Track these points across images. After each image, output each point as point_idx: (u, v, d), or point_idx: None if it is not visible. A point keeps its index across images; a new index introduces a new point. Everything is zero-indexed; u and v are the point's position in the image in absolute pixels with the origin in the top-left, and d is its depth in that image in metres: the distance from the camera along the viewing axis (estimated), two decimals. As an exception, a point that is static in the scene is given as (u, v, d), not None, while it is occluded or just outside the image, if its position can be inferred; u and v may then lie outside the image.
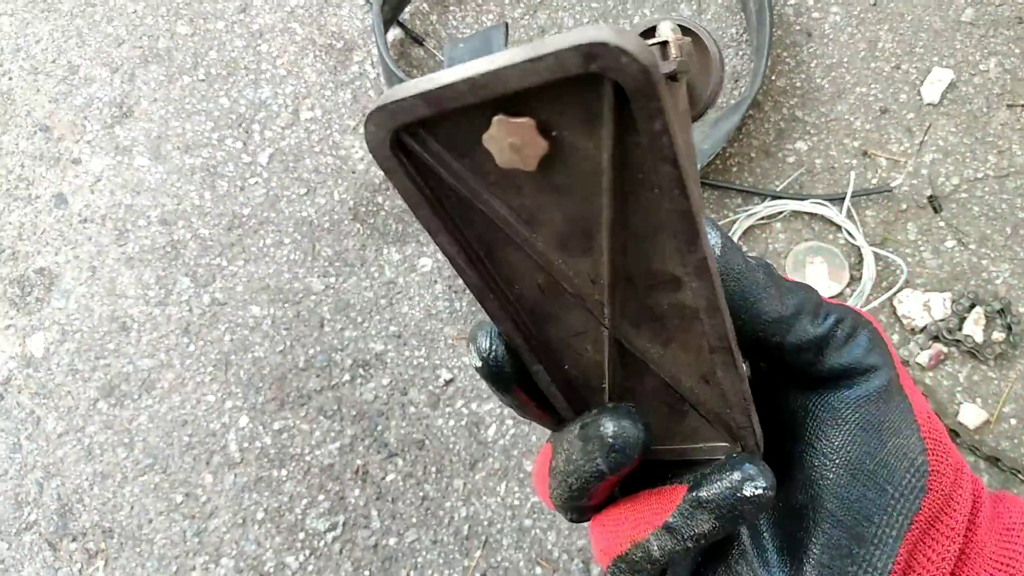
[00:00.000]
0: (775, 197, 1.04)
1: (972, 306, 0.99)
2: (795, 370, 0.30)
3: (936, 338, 0.98)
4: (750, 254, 0.29)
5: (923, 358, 0.97)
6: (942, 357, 0.97)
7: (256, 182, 1.11)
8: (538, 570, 0.93)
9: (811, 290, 0.30)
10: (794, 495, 0.30)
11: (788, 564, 0.29)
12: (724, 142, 1.01)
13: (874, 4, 1.17)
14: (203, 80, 1.17)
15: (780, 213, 1.04)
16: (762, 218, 1.04)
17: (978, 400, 0.95)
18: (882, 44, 1.15)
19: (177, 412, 1.01)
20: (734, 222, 1.04)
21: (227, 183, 1.11)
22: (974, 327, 0.97)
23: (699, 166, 0.99)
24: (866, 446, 0.28)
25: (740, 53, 1.16)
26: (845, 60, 1.15)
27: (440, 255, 1.07)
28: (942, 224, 1.05)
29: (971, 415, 0.94)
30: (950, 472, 0.28)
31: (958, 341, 0.97)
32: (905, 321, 0.99)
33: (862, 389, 0.29)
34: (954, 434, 0.93)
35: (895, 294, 1.00)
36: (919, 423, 0.28)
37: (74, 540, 0.97)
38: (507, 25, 1.07)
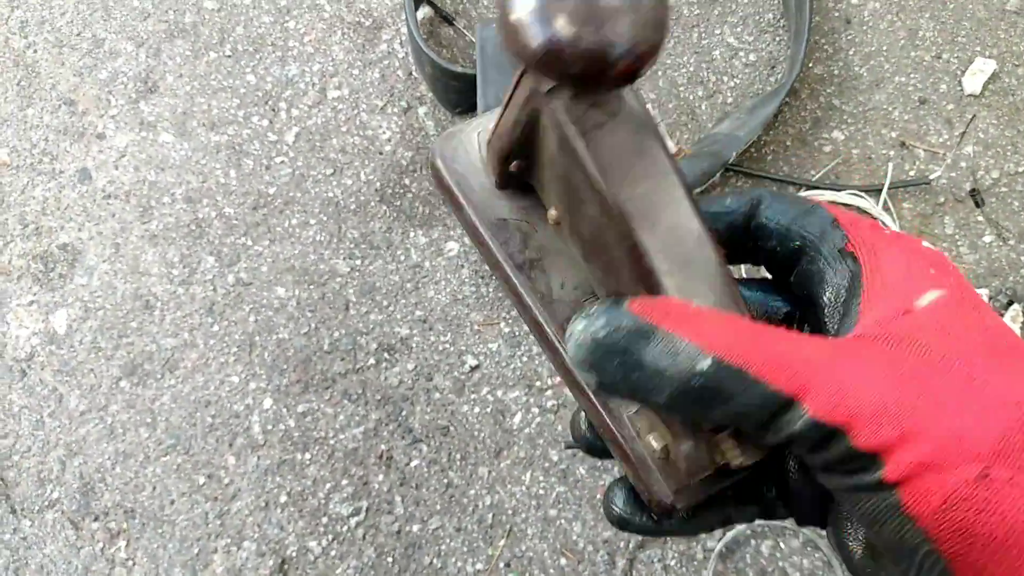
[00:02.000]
0: (810, 187, 1.02)
1: (1010, 303, 0.97)
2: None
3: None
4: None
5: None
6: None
7: (282, 161, 1.10)
8: (563, 561, 0.92)
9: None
10: None
11: None
12: (760, 130, 0.99)
13: (915, -9, 1.14)
14: (229, 56, 1.16)
15: (815, 204, 1.02)
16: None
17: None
18: (923, 33, 1.13)
19: (200, 392, 1.00)
20: (768, 212, 1.02)
21: (253, 161, 1.10)
22: (1012, 324, 0.95)
23: (734, 154, 0.97)
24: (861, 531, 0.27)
25: (777, 39, 1.13)
26: (884, 48, 1.12)
27: (467, 239, 1.05)
28: (980, 218, 1.03)
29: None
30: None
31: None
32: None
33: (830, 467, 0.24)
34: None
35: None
36: (917, 515, 0.23)
37: (96, 519, 0.96)
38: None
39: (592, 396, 0.31)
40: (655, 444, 0.29)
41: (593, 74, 0.23)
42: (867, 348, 0.24)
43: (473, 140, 0.33)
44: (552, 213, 0.32)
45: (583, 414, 0.31)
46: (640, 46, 0.22)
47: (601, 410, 0.31)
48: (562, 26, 0.22)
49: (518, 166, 0.31)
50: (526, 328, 1.00)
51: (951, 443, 0.22)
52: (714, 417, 0.24)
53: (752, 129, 0.98)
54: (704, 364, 0.23)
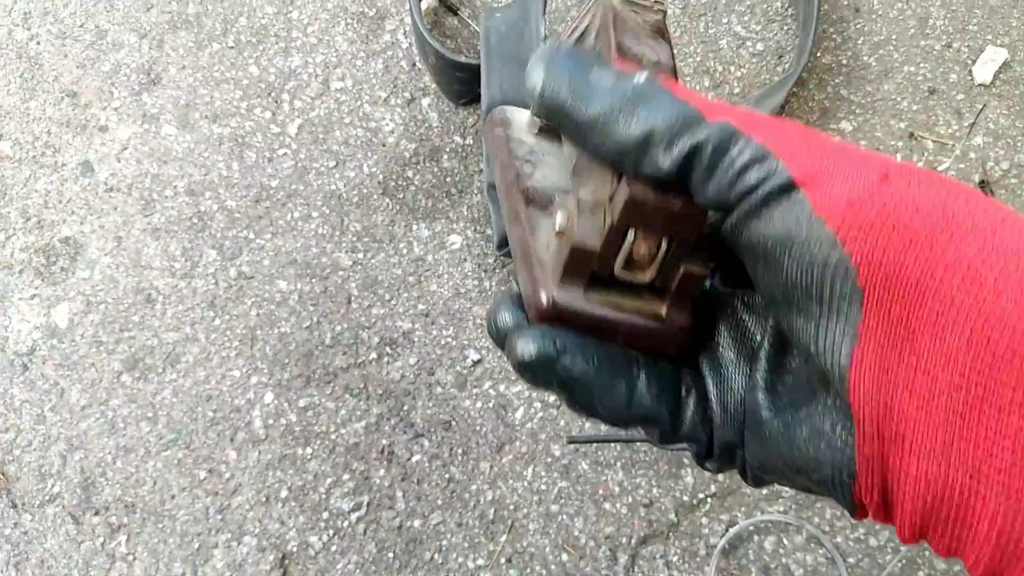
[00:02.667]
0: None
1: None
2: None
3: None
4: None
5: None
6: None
7: (285, 153, 1.09)
8: (564, 556, 0.91)
9: (681, 107, 0.25)
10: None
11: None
12: (767, 121, 0.98)
13: (926, -21, 1.12)
14: (232, 47, 1.15)
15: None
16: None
17: None
18: (933, 21, 1.11)
19: (202, 387, 1.00)
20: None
21: (255, 154, 1.09)
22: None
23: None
24: (774, 274, 0.25)
25: (785, 28, 1.11)
26: (894, 37, 1.11)
27: (470, 232, 1.04)
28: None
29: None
30: (892, 252, 0.23)
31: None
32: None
33: (743, 206, 0.25)
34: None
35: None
36: (823, 216, 0.23)
37: (97, 514, 0.96)
38: (544, -5, 1.04)
39: (509, 192, 0.32)
40: (560, 218, 0.28)
41: None
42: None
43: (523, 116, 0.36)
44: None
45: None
46: None
47: (519, 206, 0.31)
48: None
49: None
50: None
51: (853, 163, 0.24)
52: (631, 130, 0.25)
53: None
54: (640, 78, 0.26)
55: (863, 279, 0.22)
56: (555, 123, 0.28)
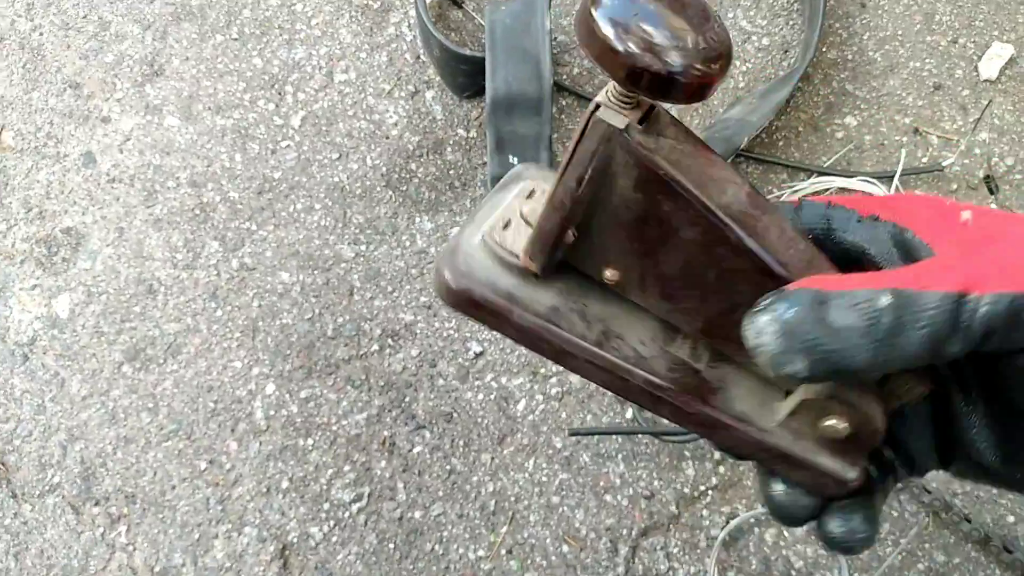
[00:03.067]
0: (822, 173, 1.00)
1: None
2: None
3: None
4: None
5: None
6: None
7: (288, 145, 1.09)
8: (565, 547, 0.91)
9: (943, 301, 0.26)
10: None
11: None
12: (772, 115, 0.97)
13: (931, -26, 1.12)
14: (236, 39, 1.15)
15: (827, 190, 1.00)
16: (807, 195, 1.00)
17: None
18: (939, 17, 1.11)
19: (203, 378, 0.99)
20: (779, 198, 1.00)
21: (258, 146, 1.09)
22: None
23: (746, 139, 0.95)
24: None
25: (791, 23, 1.11)
26: (899, 33, 1.10)
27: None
28: (994, 205, 1.01)
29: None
30: None
31: None
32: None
33: None
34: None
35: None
36: None
37: (97, 504, 0.96)
38: (549, -12, 1.04)
39: (732, 424, 0.32)
40: (839, 425, 0.30)
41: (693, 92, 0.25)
42: (974, 243, 0.27)
43: (476, 246, 0.32)
44: (608, 274, 0.32)
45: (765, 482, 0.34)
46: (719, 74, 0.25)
47: (756, 433, 0.32)
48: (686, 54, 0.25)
49: (573, 234, 0.31)
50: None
51: None
52: (907, 346, 0.25)
53: (764, 114, 0.96)
54: (884, 299, 0.25)
55: None
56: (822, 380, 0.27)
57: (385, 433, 0.96)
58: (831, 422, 0.30)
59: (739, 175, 0.30)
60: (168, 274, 1.04)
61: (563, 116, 1.08)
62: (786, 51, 1.09)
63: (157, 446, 0.97)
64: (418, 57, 1.12)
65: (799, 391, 0.30)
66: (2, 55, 1.16)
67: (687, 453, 0.92)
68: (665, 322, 0.33)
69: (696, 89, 0.25)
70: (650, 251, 0.31)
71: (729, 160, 0.98)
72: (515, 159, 1.03)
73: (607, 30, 0.24)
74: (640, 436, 0.92)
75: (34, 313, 1.04)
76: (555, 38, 1.10)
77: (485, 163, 1.06)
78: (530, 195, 0.34)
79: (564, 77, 1.10)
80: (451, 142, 1.08)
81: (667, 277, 0.31)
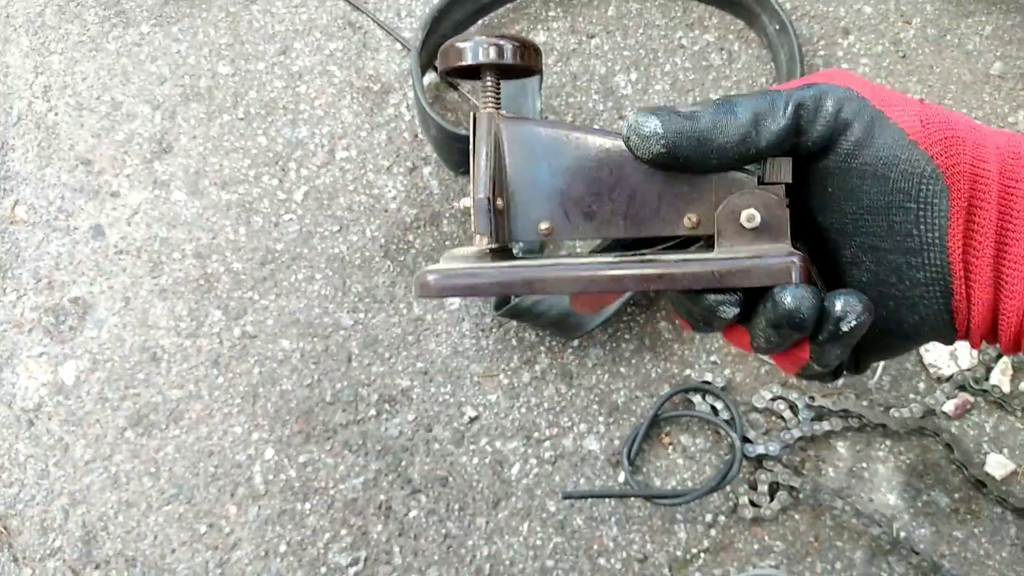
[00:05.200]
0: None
1: (999, 356, 0.99)
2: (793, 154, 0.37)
3: (962, 387, 0.98)
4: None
5: (949, 407, 0.97)
6: (968, 407, 0.97)
7: (290, 218, 1.13)
8: (560, 612, 0.92)
9: (765, 93, 0.36)
10: (834, 255, 0.39)
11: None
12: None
13: (903, 57, 1.19)
14: (242, 119, 1.20)
15: (807, 260, 1.05)
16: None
17: (1005, 451, 0.95)
18: (911, 95, 1.17)
19: (204, 443, 1.02)
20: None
21: (262, 219, 1.14)
22: (1001, 377, 0.97)
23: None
24: (874, 187, 0.35)
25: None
26: (871, 113, 1.16)
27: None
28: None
29: (998, 466, 0.93)
30: (965, 157, 0.34)
31: (985, 391, 0.97)
32: (932, 370, 0.99)
33: (847, 144, 0.35)
34: (980, 485, 0.92)
35: (922, 343, 1.00)
36: (915, 138, 0.34)
37: (97, 568, 0.97)
38: (541, 72, 1.10)
39: (681, 269, 0.38)
40: (753, 213, 0.38)
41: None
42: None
43: (442, 264, 0.42)
44: (543, 227, 0.42)
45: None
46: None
47: (702, 265, 0.38)
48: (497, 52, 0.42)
49: (502, 204, 0.41)
50: (525, 379, 1.02)
51: (898, 97, 0.36)
52: (741, 119, 0.36)
53: None
54: (716, 98, 0.39)
55: (948, 179, 0.34)
56: (672, 165, 0.37)
57: (381, 497, 0.98)
58: (744, 213, 0.38)
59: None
60: (172, 342, 1.07)
61: (554, 191, 1.14)
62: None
63: (158, 510, 0.99)
64: (416, 136, 1.18)
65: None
66: (19, 134, 1.21)
67: (679, 516, 0.94)
68: (605, 247, 0.46)
69: (520, 61, 0.42)
70: (558, 187, 0.42)
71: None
72: None
73: (467, 55, 0.42)
74: (632, 499, 0.94)
75: (40, 380, 1.07)
76: (546, 118, 1.16)
77: (480, 235, 1.11)
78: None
79: (555, 154, 1.15)
80: (447, 215, 1.13)
81: (579, 198, 0.42)
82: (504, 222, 0.41)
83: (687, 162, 0.37)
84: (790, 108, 0.35)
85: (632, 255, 0.40)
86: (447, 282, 0.40)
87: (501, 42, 0.40)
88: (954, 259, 0.35)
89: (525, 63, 0.42)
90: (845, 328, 0.35)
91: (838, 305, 0.35)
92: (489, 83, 0.42)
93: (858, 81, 0.36)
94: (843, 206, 0.37)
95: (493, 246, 0.41)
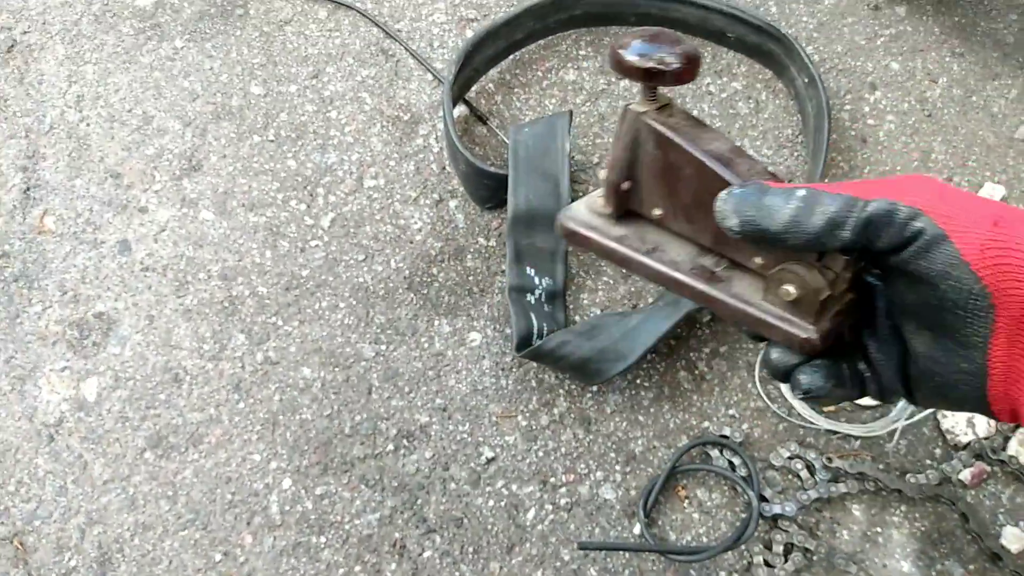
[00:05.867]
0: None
1: (1017, 426, 0.99)
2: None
3: (979, 456, 0.98)
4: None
5: (965, 475, 0.97)
6: (985, 476, 0.97)
7: (316, 245, 1.14)
8: (569, 660, 0.93)
9: (845, 200, 0.41)
10: (899, 318, 0.46)
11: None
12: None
13: (929, 116, 1.19)
14: (272, 141, 1.21)
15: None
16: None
17: (1021, 524, 0.95)
18: (935, 155, 1.18)
19: (222, 468, 1.02)
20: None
21: (288, 243, 1.14)
22: (1019, 448, 0.98)
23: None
24: (929, 290, 0.41)
25: (795, 154, 1.18)
26: (898, 168, 1.17)
27: (489, 331, 1.09)
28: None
29: (1014, 539, 0.93)
30: (1015, 283, 0.39)
31: (1002, 461, 0.97)
32: (949, 437, 0.99)
33: (907, 253, 0.40)
34: (996, 557, 0.93)
35: (939, 409, 1.00)
36: (968, 259, 0.39)
37: (111, 589, 0.98)
38: (571, 112, 1.10)
39: (725, 300, 0.50)
40: (790, 288, 0.46)
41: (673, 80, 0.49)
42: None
43: (582, 208, 0.57)
44: (655, 212, 0.54)
45: (763, 352, 0.51)
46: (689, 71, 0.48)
47: (741, 305, 0.49)
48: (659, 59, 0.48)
49: (628, 188, 0.54)
50: (543, 422, 1.02)
51: (973, 210, 0.40)
52: (809, 224, 0.42)
53: None
54: (801, 192, 0.43)
55: (995, 298, 0.39)
56: (754, 241, 0.44)
57: (396, 535, 0.99)
58: (784, 287, 0.46)
59: (728, 140, 0.50)
60: (194, 364, 1.08)
61: (580, 231, 1.14)
62: (791, 180, 1.15)
63: (174, 535, 1.00)
64: (443, 168, 1.18)
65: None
66: (50, 143, 1.22)
67: (692, 573, 0.95)
68: (698, 244, 0.53)
69: (680, 76, 0.48)
70: (672, 190, 0.52)
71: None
72: (532, 270, 1.08)
73: (632, 58, 0.47)
74: (647, 553, 0.95)
75: (62, 395, 1.07)
76: (573, 158, 1.16)
77: (503, 271, 1.11)
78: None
79: (580, 194, 1.16)
80: (472, 249, 1.13)
81: (685, 206, 0.52)
82: (628, 197, 0.54)
83: (757, 242, 0.45)
84: (862, 222, 0.41)
85: (704, 273, 0.52)
86: (573, 230, 0.56)
87: (671, 53, 0.47)
88: (994, 363, 0.41)
89: (687, 78, 0.49)
90: (799, 395, 0.48)
91: (802, 379, 0.48)
92: (648, 85, 0.50)
93: (936, 190, 0.41)
94: (903, 292, 0.44)
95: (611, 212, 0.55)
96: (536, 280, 1.08)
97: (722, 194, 0.44)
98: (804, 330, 0.47)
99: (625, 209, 0.55)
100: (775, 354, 0.49)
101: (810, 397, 0.48)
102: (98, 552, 0.99)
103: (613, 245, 0.55)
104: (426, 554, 0.98)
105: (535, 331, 1.04)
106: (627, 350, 1.00)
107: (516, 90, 1.23)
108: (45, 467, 1.04)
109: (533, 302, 1.07)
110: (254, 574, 0.97)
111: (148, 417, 1.06)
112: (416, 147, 1.20)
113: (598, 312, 1.09)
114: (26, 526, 1.01)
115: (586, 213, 0.57)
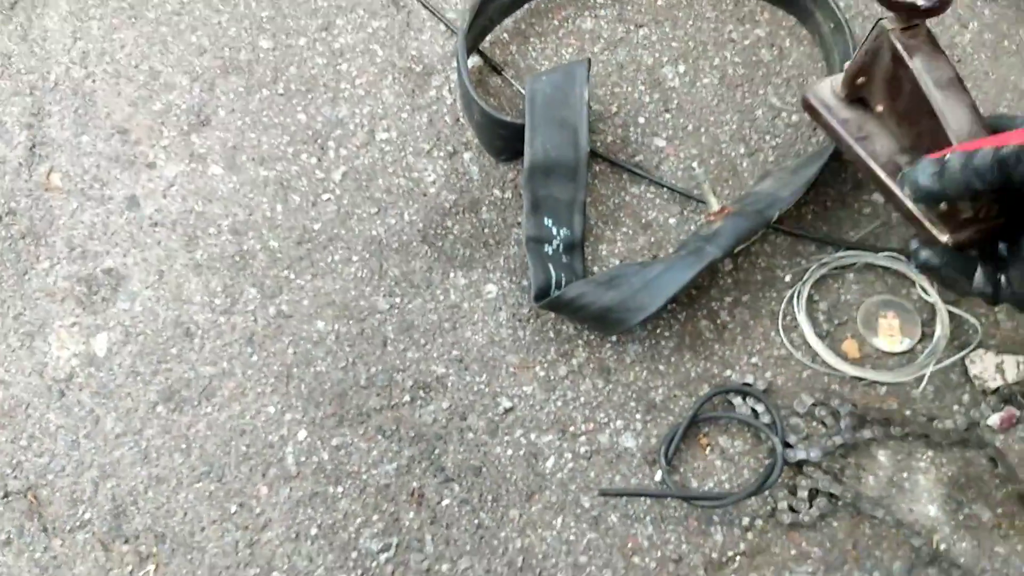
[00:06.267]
0: (850, 247, 1.03)
1: (1046, 372, 0.97)
2: None
3: (1008, 401, 0.96)
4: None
5: (994, 420, 0.95)
6: (1014, 421, 0.95)
7: (328, 198, 1.12)
8: (592, 608, 0.91)
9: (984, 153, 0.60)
10: None
11: None
12: (803, 190, 1.00)
13: (959, 61, 1.17)
14: (282, 95, 1.19)
15: (853, 264, 1.03)
16: (835, 268, 1.04)
17: (1051, 468, 0.94)
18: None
19: (236, 421, 1.01)
20: (806, 270, 1.03)
21: (300, 197, 1.12)
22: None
23: (778, 213, 0.98)
24: None
25: (816, 103, 1.15)
26: (921, 117, 1.14)
27: (506, 283, 1.07)
28: (1013, 287, 1.04)
29: (1043, 483, 0.92)
30: None
31: (1031, 406, 0.96)
32: (977, 382, 0.97)
33: None
34: (1025, 501, 0.91)
35: (968, 354, 0.98)
36: None
37: (126, 542, 0.96)
38: (589, 61, 1.08)
39: (900, 197, 0.71)
40: (943, 205, 0.66)
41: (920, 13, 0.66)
42: None
43: (825, 87, 0.80)
44: (878, 108, 0.75)
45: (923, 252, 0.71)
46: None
47: (909, 203, 0.69)
48: None
49: (862, 83, 0.74)
50: (561, 372, 1.00)
51: None
52: (954, 180, 0.61)
53: (796, 189, 1.00)
54: (954, 157, 0.61)
55: None
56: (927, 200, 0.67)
57: (414, 484, 0.97)
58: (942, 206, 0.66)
59: (952, 68, 0.68)
60: (206, 318, 1.06)
61: (596, 182, 1.12)
62: (815, 128, 1.13)
63: (188, 487, 0.98)
64: (457, 119, 1.16)
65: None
66: (55, 99, 1.20)
67: (715, 518, 0.93)
68: (900, 144, 0.73)
69: (933, 12, 0.64)
70: (894, 96, 0.70)
71: (759, 233, 1.01)
72: (549, 220, 1.06)
73: None
74: (669, 500, 0.93)
75: (72, 350, 1.06)
76: (591, 107, 1.14)
77: (519, 223, 1.09)
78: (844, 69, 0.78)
79: (598, 145, 1.14)
80: (487, 202, 1.12)
81: (900, 111, 0.71)
82: (859, 88, 0.75)
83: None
84: (996, 163, 0.57)
85: (894, 170, 0.74)
86: (812, 104, 0.80)
87: None
88: None
89: (936, 15, 0.65)
90: (915, 266, 0.73)
91: (922, 254, 0.71)
92: (903, 15, 0.65)
93: None
94: None
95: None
96: (554, 231, 1.06)
97: (907, 170, 0.67)
98: (941, 235, 0.65)
99: (856, 96, 0.76)
100: (924, 252, 0.70)
101: (925, 270, 0.71)
102: (112, 505, 0.98)
103: (835, 125, 0.76)
104: (444, 502, 0.96)
105: (553, 282, 1.02)
106: (647, 300, 0.98)
107: (531, 39, 1.20)
108: (57, 422, 1.02)
109: (551, 253, 1.05)
110: (270, 524, 0.96)
111: (160, 372, 1.04)
112: (429, 99, 1.18)
113: (617, 263, 1.07)
114: (39, 480, 0.99)
115: (827, 92, 0.76)
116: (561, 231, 1.06)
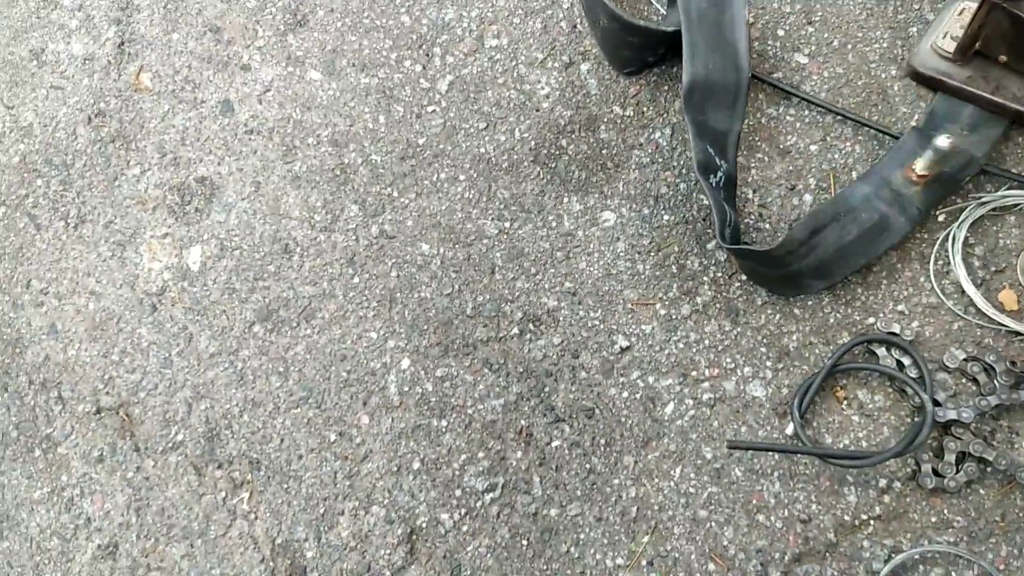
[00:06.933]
0: (1012, 184, 0.92)
1: None
2: None
3: None
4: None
5: None
6: None
7: (434, 110, 1.04)
8: (711, 566, 0.85)
9: None
10: None
11: None
12: (991, 151, 0.89)
13: None
14: (385, -6, 1.09)
15: (1016, 206, 0.92)
16: (994, 209, 0.93)
17: None
18: None
19: (336, 346, 0.95)
20: (963, 209, 0.92)
21: (403, 108, 1.04)
22: None
23: (968, 178, 0.91)
24: None
25: (981, 21, 1.02)
26: None
27: (625, 211, 0.98)
28: None
29: None
30: None
31: None
32: None
33: None
34: None
35: None
36: None
37: (220, 467, 0.93)
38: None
39: None
40: None
41: None
42: None
43: (928, 52, 0.91)
44: (1002, 58, 0.85)
45: None
46: None
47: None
48: None
49: (979, 46, 0.85)
50: (684, 312, 0.92)
51: None
52: None
53: (986, 151, 0.89)
54: None
55: None
56: None
57: (522, 423, 0.91)
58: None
59: None
60: (305, 235, 1.00)
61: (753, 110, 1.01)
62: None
63: (285, 412, 0.94)
64: (575, 26, 1.06)
65: None
66: (146, -8, 1.12)
67: (850, 478, 0.86)
68: None
69: None
70: (1016, 49, 0.82)
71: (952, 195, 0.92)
72: (712, 149, 0.95)
73: None
74: (799, 456, 0.86)
75: (164, 263, 1.01)
76: (751, 24, 1.02)
77: (642, 144, 1.00)
78: (961, 13, 0.88)
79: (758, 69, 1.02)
80: (605, 119, 1.02)
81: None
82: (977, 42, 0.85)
83: None
84: None
85: None
86: (925, 74, 0.88)
87: None
88: None
89: None
90: None
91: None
92: None
93: None
94: None
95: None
96: (717, 160, 0.95)
97: None
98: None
99: (974, 52, 0.85)
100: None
101: None
102: (206, 427, 0.94)
103: (962, 86, 0.85)
104: (554, 443, 0.90)
105: (729, 220, 0.91)
106: (836, 270, 0.89)
107: (659, -60, 1.09)
108: (148, 337, 0.98)
109: (715, 186, 0.94)
110: (371, 456, 0.91)
111: (257, 289, 0.99)
112: (544, 2, 1.07)
113: (757, 199, 0.97)
114: (131, 397, 0.96)
115: (934, 59, 0.86)
116: (722, 163, 0.96)
